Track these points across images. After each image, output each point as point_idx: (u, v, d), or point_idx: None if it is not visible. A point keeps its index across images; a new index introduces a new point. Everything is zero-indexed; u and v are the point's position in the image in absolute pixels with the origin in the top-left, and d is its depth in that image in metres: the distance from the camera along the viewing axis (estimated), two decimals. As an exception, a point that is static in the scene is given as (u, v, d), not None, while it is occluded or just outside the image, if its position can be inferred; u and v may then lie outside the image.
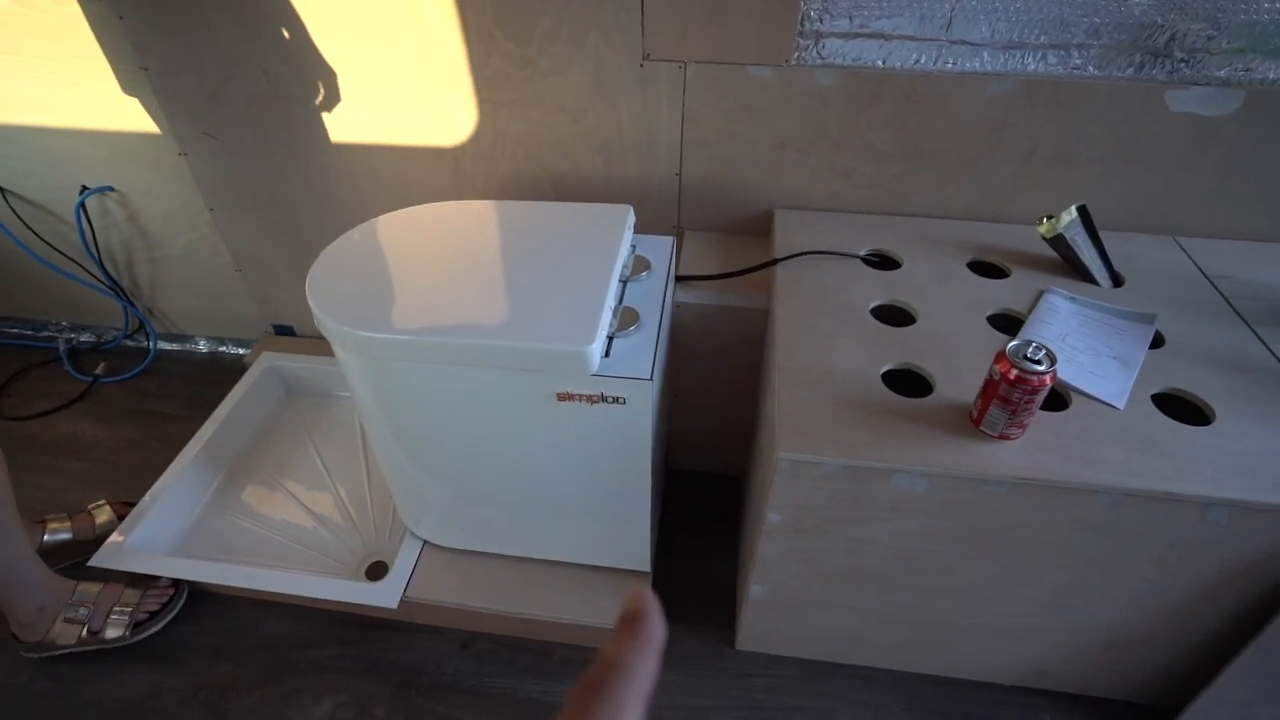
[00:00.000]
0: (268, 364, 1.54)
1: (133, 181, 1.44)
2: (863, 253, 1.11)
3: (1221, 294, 1.02)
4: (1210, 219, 1.13)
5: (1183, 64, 1.01)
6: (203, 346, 1.76)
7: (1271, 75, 0.99)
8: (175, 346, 1.77)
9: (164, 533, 1.24)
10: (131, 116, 1.33)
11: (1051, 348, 0.75)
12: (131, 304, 1.66)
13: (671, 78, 1.12)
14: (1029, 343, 0.75)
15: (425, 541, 1.19)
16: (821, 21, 1.05)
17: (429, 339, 0.85)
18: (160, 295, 1.66)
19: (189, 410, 1.54)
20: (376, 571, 1.21)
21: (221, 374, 1.64)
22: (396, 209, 1.09)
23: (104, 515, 1.26)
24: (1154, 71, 1.02)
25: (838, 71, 1.08)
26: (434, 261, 1.00)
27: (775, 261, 1.09)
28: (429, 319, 0.87)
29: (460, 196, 1.33)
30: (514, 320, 0.86)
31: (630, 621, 0.26)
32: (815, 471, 0.80)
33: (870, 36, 1.06)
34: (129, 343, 1.77)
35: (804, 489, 0.83)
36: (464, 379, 0.89)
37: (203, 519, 1.31)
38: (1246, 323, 0.97)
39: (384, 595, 1.11)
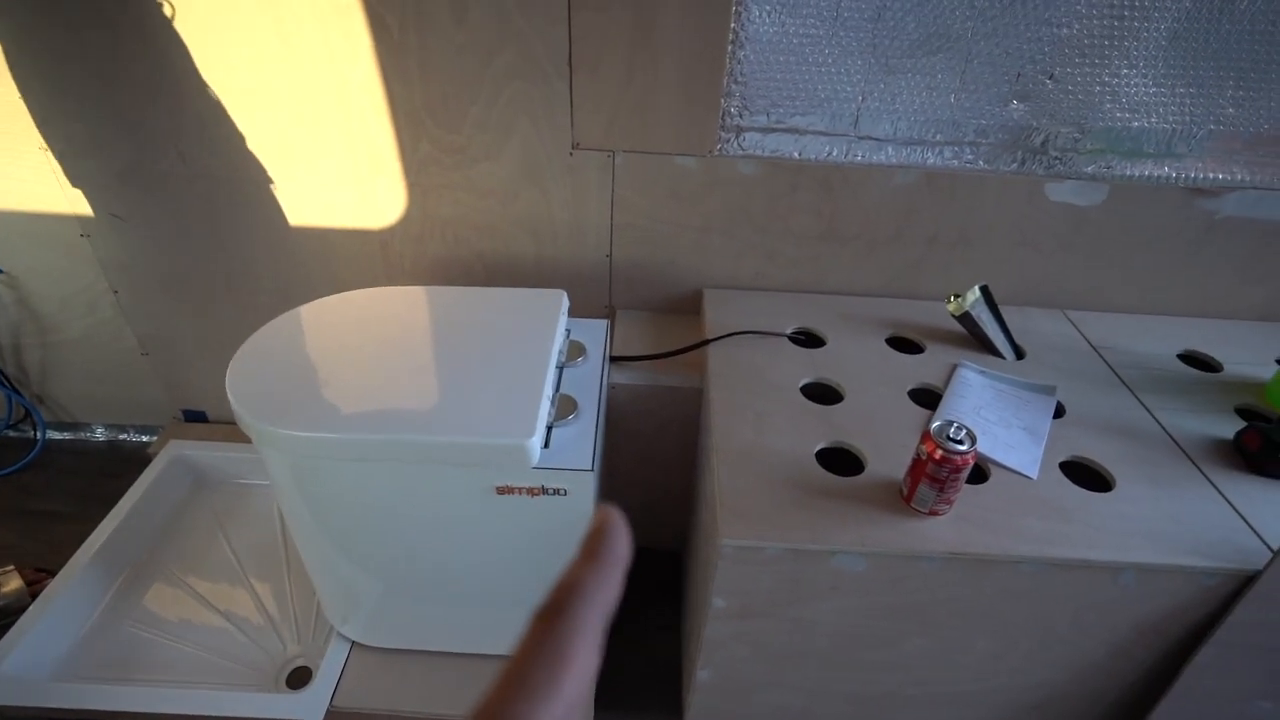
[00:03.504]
0: (176, 452, 1.44)
1: (28, 263, 1.35)
2: (789, 331, 1.16)
3: (1108, 364, 1.12)
4: (1092, 295, 1.25)
5: (1057, 161, 1.13)
6: (100, 435, 1.63)
7: (1129, 172, 1.13)
8: (67, 435, 1.63)
9: (50, 651, 1.12)
10: (27, 196, 1.25)
11: (970, 425, 0.80)
12: (17, 391, 1.53)
13: (600, 165, 1.16)
14: (950, 423, 0.80)
15: (353, 642, 1.12)
16: (741, 117, 1.12)
17: (361, 436, 0.82)
18: (52, 381, 1.53)
19: (81, 508, 1.41)
20: (299, 679, 1.12)
21: (121, 465, 1.52)
22: (322, 291, 1.06)
23: (12, 583, 1.14)
24: (1034, 166, 1.14)
25: (758, 162, 1.15)
26: (363, 353, 0.97)
27: (706, 342, 1.12)
28: (360, 415, 0.85)
29: (389, 278, 1.31)
30: (450, 414, 0.85)
31: (593, 542, 0.25)
32: (758, 556, 0.81)
33: (786, 131, 1.13)
34: (11, 433, 1.61)
35: (747, 574, 0.83)
36: (398, 475, 0.86)
37: (97, 631, 1.18)
38: (1131, 391, 1.06)
39: (306, 708, 1.03)
